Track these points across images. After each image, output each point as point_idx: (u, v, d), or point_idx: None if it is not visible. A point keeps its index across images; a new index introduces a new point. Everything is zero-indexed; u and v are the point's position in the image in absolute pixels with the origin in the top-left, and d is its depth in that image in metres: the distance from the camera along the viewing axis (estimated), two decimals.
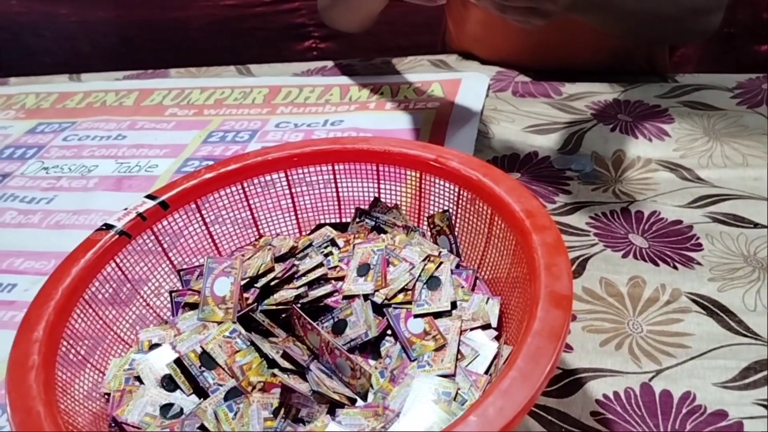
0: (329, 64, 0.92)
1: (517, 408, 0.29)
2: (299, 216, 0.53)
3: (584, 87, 0.79)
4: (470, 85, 0.78)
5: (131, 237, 0.46)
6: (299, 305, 0.44)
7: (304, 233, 0.53)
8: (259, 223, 0.52)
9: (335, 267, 0.47)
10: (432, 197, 0.49)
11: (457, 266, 0.46)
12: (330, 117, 0.77)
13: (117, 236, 0.45)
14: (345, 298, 0.45)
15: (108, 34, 1.49)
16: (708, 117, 0.71)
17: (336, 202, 0.53)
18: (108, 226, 0.45)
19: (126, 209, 0.47)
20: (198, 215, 0.49)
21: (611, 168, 0.65)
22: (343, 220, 0.53)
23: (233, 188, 0.50)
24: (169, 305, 0.48)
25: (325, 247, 0.49)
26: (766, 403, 0.41)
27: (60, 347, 0.39)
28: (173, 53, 1.32)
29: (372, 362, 0.42)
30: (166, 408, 0.39)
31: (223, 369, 0.40)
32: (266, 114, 0.80)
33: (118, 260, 0.45)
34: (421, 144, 0.48)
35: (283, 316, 0.44)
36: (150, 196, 0.48)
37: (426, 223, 0.49)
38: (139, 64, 1.02)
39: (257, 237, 0.52)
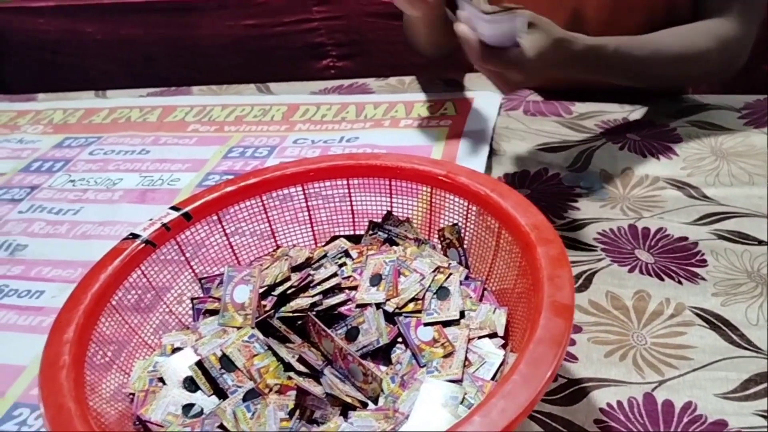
0: (345, 82, 0.95)
1: (518, 409, 0.31)
2: (315, 228, 0.55)
3: (594, 106, 0.80)
4: (482, 104, 0.80)
5: (156, 246, 0.48)
6: (314, 313, 0.46)
7: (319, 245, 0.55)
8: (276, 234, 0.54)
9: (349, 277, 0.49)
10: (442, 211, 0.51)
11: (466, 278, 0.48)
12: (346, 134, 0.79)
13: (142, 245, 0.47)
14: (358, 306, 0.47)
15: (132, 52, 1.54)
16: (715, 137, 0.72)
17: (350, 215, 0.55)
18: (134, 236, 0.48)
19: (151, 220, 0.49)
20: (219, 226, 0.52)
21: (619, 185, 0.67)
22: (357, 233, 0.55)
23: (253, 201, 0.53)
24: (190, 312, 0.50)
25: (339, 258, 0.51)
26: (766, 413, 0.42)
27: (88, 349, 0.41)
28: (195, 71, 1.36)
29: (383, 368, 0.44)
30: (187, 408, 0.41)
31: (242, 372, 0.42)
32: (284, 131, 0.83)
33: (143, 268, 0.47)
34: (432, 160, 0.51)
35: (299, 323, 0.46)
36: (174, 208, 0.50)
37: (437, 236, 0.51)
38: (162, 81, 1.06)
39: (275, 248, 0.55)
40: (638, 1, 0.74)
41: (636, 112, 0.79)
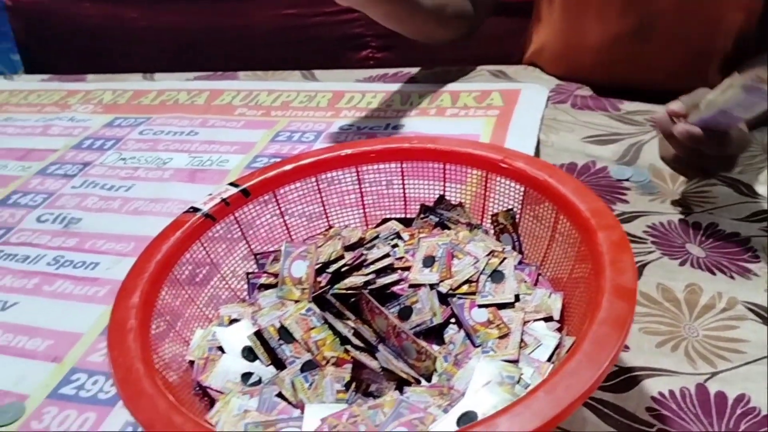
0: (390, 71, 0.95)
1: (583, 387, 0.31)
2: (366, 210, 0.56)
3: (642, 106, 0.80)
4: (530, 95, 0.80)
5: (215, 220, 0.49)
6: (367, 291, 0.47)
7: (370, 227, 0.56)
8: (329, 214, 0.55)
9: (401, 258, 0.50)
10: (496, 196, 0.51)
11: (520, 263, 0.48)
12: (391, 121, 0.80)
13: (203, 218, 0.48)
14: (411, 286, 0.47)
15: (174, 39, 1.56)
16: None
17: (402, 199, 0.55)
18: (194, 209, 0.49)
19: (211, 195, 0.50)
20: (275, 204, 0.53)
21: (669, 180, 0.66)
22: (408, 216, 0.56)
23: (307, 181, 0.53)
24: (245, 286, 0.51)
25: (391, 240, 0.52)
26: None
27: (152, 314, 0.42)
28: (237, 59, 1.38)
29: (436, 347, 0.44)
30: (246, 376, 0.42)
31: (300, 343, 0.43)
32: (330, 117, 0.84)
33: (202, 240, 0.48)
34: (488, 145, 0.51)
35: (352, 300, 0.47)
36: (233, 184, 0.51)
37: (489, 221, 0.52)
38: (203, 68, 1.07)
39: (327, 228, 0.55)
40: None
41: None
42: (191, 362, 0.44)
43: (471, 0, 0.87)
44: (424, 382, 0.42)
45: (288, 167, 0.52)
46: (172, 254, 0.46)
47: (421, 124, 0.78)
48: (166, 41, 1.55)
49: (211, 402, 0.41)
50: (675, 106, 0.55)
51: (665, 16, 0.75)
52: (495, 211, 0.51)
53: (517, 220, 0.49)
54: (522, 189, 0.48)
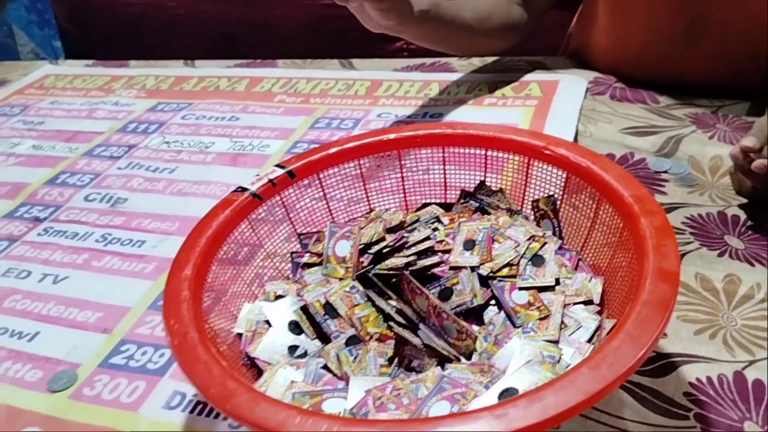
0: (428, 60, 0.96)
1: (627, 364, 0.32)
2: (407, 194, 0.57)
3: (682, 99, 0.79)
4: (568, 86, 0.80)
5: (262, 200, 0.51)
6: (408, 272, 0.48)
7: (410, 211, 0.57)
8: (370, 198, 0.56)
9: (441, 241, 0.51)
10: (536, 183, 0.52)
11: (560, 248, 0.49)
12: (429, 110, 0.81)
13: (250, 198, 0.50)
14: (451, 269, 0.48)
15: (212, 29, 1.58)
16: None
17: (442, 184, 0.56)
18: (242, 189, 0.51)
19: (258, 175, 0.52)
20: (319, 186, 0.54)
21: (708, 173, 0.66)
22: (447, 202, 0.57)
23: (351, 164, 0.55)
24: (288, 264, 0.52)
25: (432, 223, 0.53)
26: None
27: (203, 287, 0.44)
28: (274, 48, 1.40)
29: (476, 328, 0.45)
30: (292, 348, 0.43)
31: (344, 319, 0.44)
32: (368, 105, 0.85)
33: (250, 218, 0.50)
34: (530, 131, 0.52)
35: (393, 281, 0.48)
36: (279, 165, 0.53)
37: (530, 207, 0.52)
38: (240, 57, 1.09)
39: (368, 211, 0.57)
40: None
41: (725, 108, 0.77)
42: (239, 335, 0.45)
43: (525, 3, 0.86)
44: (464, 360, 0.43)
45: (332, 150, 0.54)
46: (221, 231, 0.47)
47: (458, 113, 0.79)
48: (205, 30, 1.58)
49: (259, 373, 0.43)
50: (749, 142, 0.55)
51: (716, 16, 0.74)
52: (535, 197, 0.52)
53: (557, 207, 0.50)
54: (564, 175, 0.49)
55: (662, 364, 0.46)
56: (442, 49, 0.88)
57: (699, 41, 0.76)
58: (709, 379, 0.44)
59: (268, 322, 0.45)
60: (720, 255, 0.55)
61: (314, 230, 0.54)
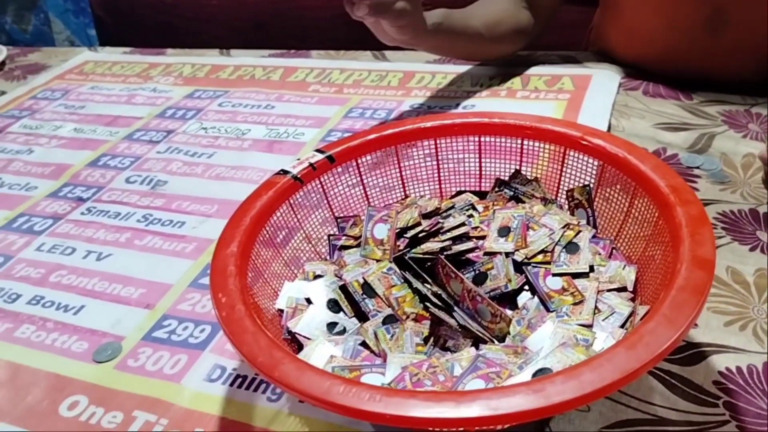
0: None
1: (662, 345, 0.33)
2: (442, 182, 0.58)
3: (715, 96, 0.79)
4: (601, 80, 0.81)
5: (303, 183, 0.52)
6: (443, 256, 0.49)
7: (445, 198, 0.58)
8: (406, 184, 0.58)
9: (476, 227, 0.52)
10: (571, 172, 0.53)
11: (594, 237, 0.50)
12: (462, 101, 0.82)
13: (292, 180, 0.52)
14: (486, 254, 0.49)
15: (244, 19, 1.61)
16: None
17: (477, 172, 0.57)
18: (284, 172, 0.52)
19: (299, 159, 0.53)
20: (356, 171, 0.55)
21: (740, 170, 0.66)
22: (482, 190, 0.58)
23: (388, 150, 0.56)
24: (325, 246, 0.54)
25: (467, 210, 0.54)
26: None
27: (248, 264, 0.45)
28: (305, 39, 1.42)
29: (509, 312, 0.47)
30: (331, 326, 0.45)
31: (381, 299, 0.45)
32: (401, 96, 0.86)
33: (291, 200, 0.51)
34: (566, 122, 0.52)
35: (428, 264, 0.50)
36: (319, 150, 0.54)
37: (564, 196, 0.53)
38: (271, 47, 1.10)
39: (403, 197, 0.58)
40: None
41: (758, 106, 0.77)
42: (279, 311, 0.47)
43: (532, 8, 0.87)
44: (497, 342, 0.44)
45: (371, 137, 0.55)
46: (264, 211, 0.49)
47: (491, 105, 0.80)
48: (238, 20, 1.60)
49: (299, 347, 0.45)
50: None
51: (738, 7, 0.74)
52: (570, 187, 0.53)
53: (592, 196, 0.51)
54: (599, 165, 0.50)
55: (692, 353, 0.47)
56: (455, 57, 0.91)
57: (722, 33, 0.76)
58: (738, 368, 0.45)
59: (308, 299, 0.47)
60: (751, 250, 0.55)
61: (352, 214, 0.56)
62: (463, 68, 0.91)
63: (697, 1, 0.76)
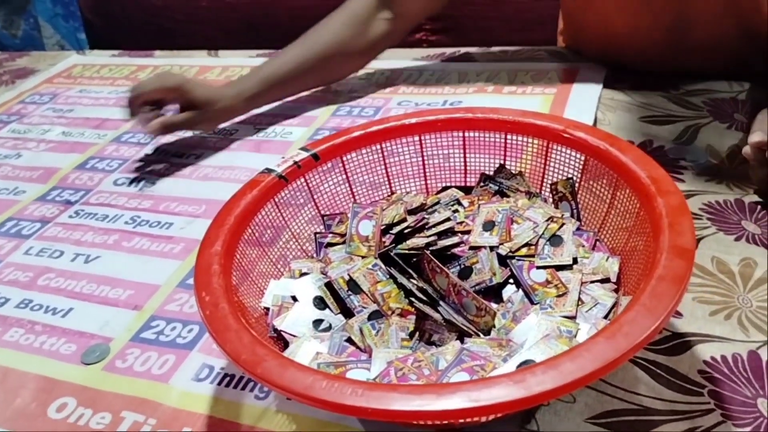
0: (448, 50, 0.97)
1: (642, 334, 0.33)
2: (428, 178, 0.58)
3: (701, 84, 0.80)
4: (587, 74, 0.81)
5: (288, 181, 0.52)
6: (429, 251, 0.49)
7: (431, 194, 0.58)
8: (392, 181, 0.58)
9: (461, 222, 0.52)
10: (555, 165, 0.53)
11: (578, 229, 0.50)
12: (449, 98, 0.82)
13: (276, 179, 0.52)
14: (471, 249, 0.49)
15: (235, 20, 1.60)
16: None
17: (462, 168, 0.58)
18: (269, 170, 0.52)
19: (283, 158, 0.54)
20: (342, 168, 0.56)
21: (726, 161, 0.67)
22: (467, 186, 0.58)
23: (373, 147, 0.56)
24: (312, 244, 0.54)
25: (452, 205, 0.54)
26: None
27: (232, 263, 0.45)
28: (295, 38, 1.41)
29: (494, 306, 0.47)
30: (317, 323, 0.45)
31: (367, 295, 0.45)
32: (389, 93, 0.86)
33: (276, 199, 0.51)
34: (549, 115, 0.53)
35: (414, 260, 0.50)
36: (304, 149, 0.54)
37: (548, 189, 0.53)
38: (262, 47, 1.10)
39: (389, 194, 0.58)
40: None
41: (744, 93, 0.77)
42: (266, 309, 0.47)
43: (399, 17, 0.83)
44: (482, 336, 0.44)
45: (356, 134, 0.55)
46: (249, 209, 0.49)
47: (478, 101, 0.80)
48: (228, 20, 1.60)
49: (285, 345, 0.45)
50: (757, 137, 0.56)
51: (697, 15, 0.74)
52: (554, 180, 0.53)
53: (576, 189, 0.51)
54: (582, 158, 0.50)
55: (677, 342, 0.47)
56: (305, 90, 0.88)
57: (685, 40, 0.76)
58: (723, 357, 0.45)
59: (293, 297, 0.47)
60: (737, 239, 0.56)
61: (338, 211, 0.56)
62: (449, 66, 0.91)
63: (657, 12, 0.75)
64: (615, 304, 0.43)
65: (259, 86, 0.79)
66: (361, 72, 0.93)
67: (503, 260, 0.48)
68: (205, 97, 0.76)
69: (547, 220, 0.49)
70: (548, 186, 0.54)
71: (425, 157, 0.57)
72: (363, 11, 0.82)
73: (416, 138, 0.56)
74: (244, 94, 0.78)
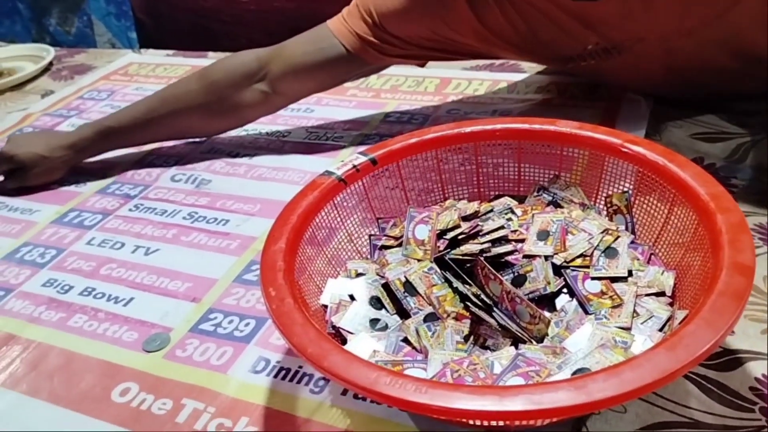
0: (497, 61, 0.98)
1: (702, 347, 0.34)
2: (481, 185, 0.59)
3: (754, 103, 0.79)
4: None
5: (347, 184, 0.54)
6: (482, 258, 0.50)
7: (483, 201, 0.59)
8: (445, 187, 0.59)
9: (515, 231, 0.53)
10: (610, 179, 0.53)
11: (632, 242, 0.50)
12: (498, 108, 0.83)
13: (336, 181, 0.53)
14: (525, 257, 0.50)
15: (281, 24, 1.64)
16: None
17: (516, 177, 0.59)
18: (329, 173, 0.54)
19: (343, 161, 0.55)
20: (398, 173, 0.57)
21: None
22: (520, 195, 0.59)
23: (429, 154, 0.57)
24: (365, 246, 0.56)
25: (505, 214, 0.55)
26: None
27: (295, 260, 0.47)
28: None
29: (548, 314, 0.48)
30: (373, 322, 0.47)
31: (422, 297, 0.47)
32: (438, 101, 0.88)
33: (335, 200, 0.53)
34: (606, 129, 0.53)
35: (467, 266, 0.51)
36: (362, 153, 0.56)
37: (603, 202, 0.54)
38: None
39: (443, 199, 0.59)
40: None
41: None
42: (324, 306, 0.49)
43: (271, 90, 0.77)
44: (536, 343, 0.45)
45: (413, 140, 0.57)
46: (310, 210, 0.51)
47: (527, 113, 0.81)
48: (274, 24, 1.63)
49: (342, 341, 0.46)
50: None
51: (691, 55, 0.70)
52: (608, 193, 0.54)
53: (631, 203, 0.52)
54: (639, 172, 0.51)
55: (729, 359, 0.47)
56: (162, 141, 0.86)
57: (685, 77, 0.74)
58: None
59: (351, 296, 0.48)
60: None
61: (389, 215, 0.57)
62: (499, 75, 0.92)
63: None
64: (670, 318, 0.43)
65: (93, 137, 0.80)
66: (410, 79, 0.95)
67: (557, 270, 0.49)
68: (30, 158, 0.79)
69: (602, 232, 0.49)
70: (602, 199, 0.54)
71: (479, 165, 0.59)
72: (235, 75, 0.77)
73: (471, 146, 0.58)
74: (78, 146, 0.80)
